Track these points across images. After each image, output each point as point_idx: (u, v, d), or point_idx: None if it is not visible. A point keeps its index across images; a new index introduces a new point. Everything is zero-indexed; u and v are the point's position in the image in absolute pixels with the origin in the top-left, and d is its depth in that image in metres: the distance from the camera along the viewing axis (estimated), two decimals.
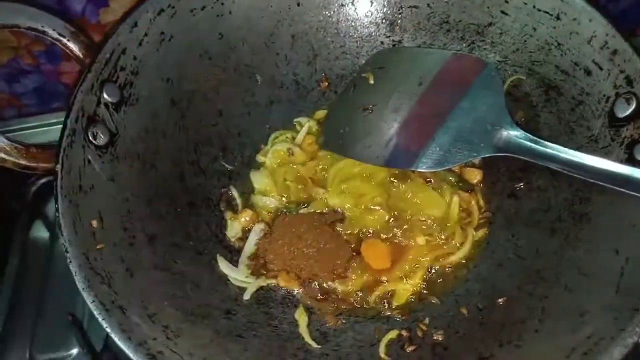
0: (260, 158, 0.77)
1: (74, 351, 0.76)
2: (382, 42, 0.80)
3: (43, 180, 0.92)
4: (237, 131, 0.77)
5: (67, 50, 0.65)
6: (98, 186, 0.59)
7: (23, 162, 0.56)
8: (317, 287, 0.65)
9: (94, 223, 0.55)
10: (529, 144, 0.58)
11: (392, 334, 0.59)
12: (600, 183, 0.53)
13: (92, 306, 0.47)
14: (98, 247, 0.54)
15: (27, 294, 0.82)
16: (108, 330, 0.46)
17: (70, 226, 0.52)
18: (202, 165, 0.73)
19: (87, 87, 0.61)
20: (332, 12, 0.79)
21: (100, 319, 0.47)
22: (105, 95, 0.62)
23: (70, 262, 0.50)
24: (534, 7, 0.67)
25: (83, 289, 0.48)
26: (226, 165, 0.75)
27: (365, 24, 0.80)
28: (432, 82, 0.70)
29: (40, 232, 0.89)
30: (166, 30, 0.68)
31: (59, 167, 0.55)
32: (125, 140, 0.64)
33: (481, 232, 0.68)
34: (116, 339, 0.46)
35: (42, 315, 0.80)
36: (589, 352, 0.46)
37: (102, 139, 0.61)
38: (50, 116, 0.94)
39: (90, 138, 0.60)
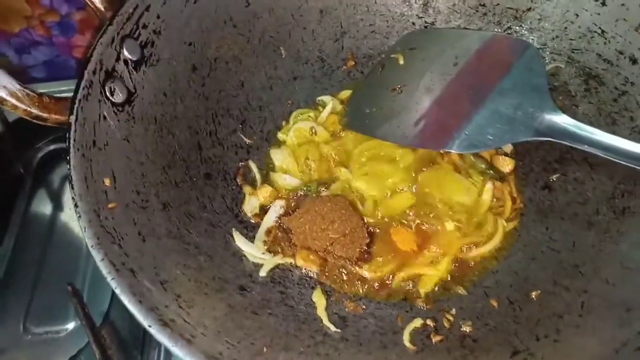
0: (280, 136, 0.73)
1: (70, 325, 0.72)
2: (413, 23, 0.77)
3: (51, 147, 0.88)
4: (258, 105, 0.73)
5: (89, 3, 0.61)
6: (112, 144, 0.55)
7: (35, 110, 0.52)
8: (338, 270, 0.61)
9: (107, 181, 0.52)
10: (573, 128, 0.55)
11: (417, 323, 0.55)
12: None
13: (101, 264, 0.43)
14: (110, 205, 0.50)
15: (24, 265, 0.78)
16: (117, 291, 0.42)
17: (82, 181, 0.49)
18: (220, 136, 0.69)
19: (108, 40, 0.57)
20: None
21: (109, 279, 0.43)
22: (125, 51, 0.59)
23: (80, 217, 0.46)
24: None
25: (92, 246, 0.44)
26: (245, 139, 0.71)
27: (398, 2, 0.77)
28: (468, 63, 0.66)
29: (43, 201, 0.85)
30: None
31: (72, 118, 0.51)
32: (143, 101, 0.61)
33: (512, 224, 0.64)
34: (126, 302, 0.42)
35: (38, 287, 0.76)
36: None
37: (119, 97, 0.58)
38: (58, 83, 0.91)
39: (107, 93, 0.56)
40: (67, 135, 0.50)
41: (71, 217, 0.84)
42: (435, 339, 0.53)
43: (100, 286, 0.74)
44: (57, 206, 0.85)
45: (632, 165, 0.51)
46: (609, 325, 0.47)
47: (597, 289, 0.52)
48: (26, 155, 0.89)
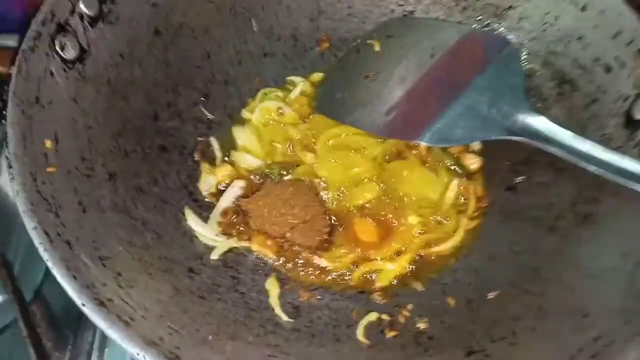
0: (245, 114, 0.69)
1: None
2: (392, 10, 0.74)
3: None
4: (224, 79, 0.69)
5: None
6: (58, 103, 0.50)
7: None
8: (295, 257, 0.58)
9: (48, 143, 0.47)
10: (546, 131, 0.54)
11: (372, 317, 0.53)
12: (619, 181, 0.50)
13: (33, 233, 0.39)
14: (49, 169, 0.45)
15: None
16: (49, 264, 0.38)
17: (19, 139, 0.44)
18: (179, 108, 0.65)
19: None
20: None
21: (41, 250, 0.39)
22: (81, 5, 0.54)
23: (13, 178, 0.41)
24: None
25: (24, 211, 0.40)
26: (206, 113, 0.67)
27: None
28: (445, 56, 0.64)
29: None
30: None
31: (14, 69, 0.46)
32: (97, 61, 0.56)
33: (474, 222, 0.63)
34: (58, 276, 0.38)
35: None
36: (597, 355, 0.41)
37: (70, 53, 0.53)
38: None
39: (56, 47, 0.51)
40: (6, 88, 0.45)
41: (6, 182, 0.76)
42: (390, 334, 0.52)
43: (35, 259, 0.68)
44: None
45: (601, 173, 0.50)
46: (565, 330, 0.46)
47: (555, 293, 0.51)
48: None
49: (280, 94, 0.71)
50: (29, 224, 0.39)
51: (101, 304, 0.38)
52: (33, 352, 0.54)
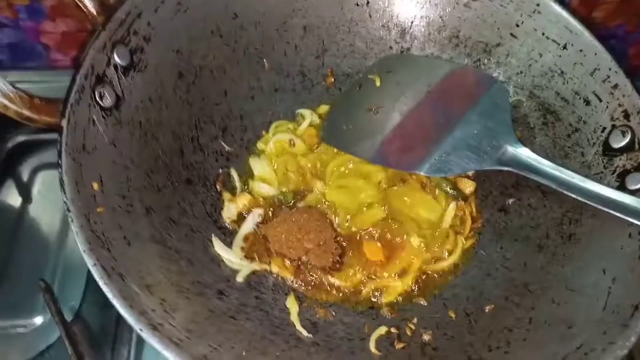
0: (260, 146, 0.76)
1: (38, 320, 0.72)
2: (390, 47, 0.81)
3: (21, 139, 0.87)
4: (240, 114, 0.76)
5: (81, 5, 0.62)
6: (100, 148, 0.56)
7: (26, 112, 0.53)
8: (311, 277, 0.65)
9: (95, 185, 0.53)
10: (532, 161, 0.61)
11: (382, 330, 0.60)
12: (596, 206, 0.56)
13: (93, 270, 0.45)
14: (98, 210, 0.51)
15: None
16: (110, 296, 0.44)
17: (73, 185, 0.50)
18: (201, 142, 0.71)
19: (100, 45, 0.58)
20: (346, 10, 0.79)
21: (101, 284, 0.45)
22: (115, 57, 0.60)
23: (72, 221, 0.47)
24: (543, 34, 0.71)
25: (85, 250, 0.46)
26: (225, 146, 0.73)
27: (377, 27, 0.81)
28: (440, 91, 0.71)
29: (11, 193, 0.84)
30: (183, 1, 0.67)
31: (65, 122, 0.53)
32: (130, 106, 0.62)
33: (470, 242, 0.70)
34: (118, 306, 0.44)
35: (5, 281, 0.75)
36: None
37: (108, 101, 0.59)
38: (24, 74, 0.89)
39: (97, 97, 0.57)
40: (59, 140, 0.51)
41: (41, 211, 0.83)
42: (398, 346, 0.58)
43: (71, 282, 0.75)
44: (26, 199, 0.84)
45: (581, 199, 0.57)
46: (552, 340, 0.53)
47: (543, 306, 0.58)
48: None
49: (290, 125, 0.78)
50: (89, 261, 0.46)
51: (154, 328, 0.44)
52: None
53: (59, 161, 0.50)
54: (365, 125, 0.73)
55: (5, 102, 0.52)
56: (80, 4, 0.62)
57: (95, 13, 0.62)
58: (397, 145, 0.69)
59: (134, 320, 0.43)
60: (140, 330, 0.43)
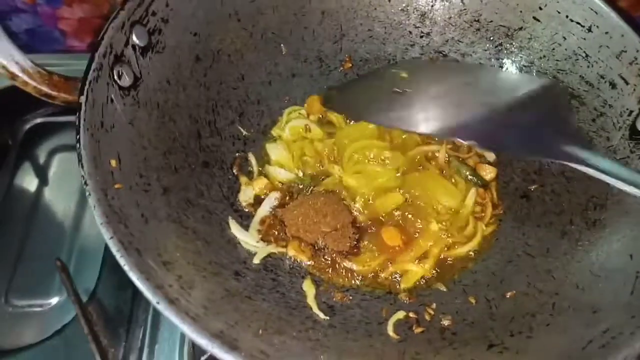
0: (276, 131, 0.75)
1: (54, 300, 0.73)
2: (410, 32, 0.80)
3: (38, 120, 0.87)
4: (257, 98, 0.75)
5: None
6: (118, 127, 0.56)
7: (44, 88, 0.53)
8: (327, 261, 0.64)
9: (113, 162, 0.53)
10: (595, 161, 0.56)
11: (400, 315, 0.59)
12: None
13: (110, 242, 0.45)
14: (116, 186, 0.51)
15: (7, 237, 0.78)
16: (126, 268, 0.44)
17: (91, 160, 0.50)
18: (218, 127, 0.71)
19: (118, 24, 0.58)
20: None
21: (118, 257, 0.44)
22: (134, 37, 0.60)
23: (90, 195, 0.47)
24: (567, 16, 0.69)
25: (102, 223, 0.46)
26: (242, 130, 0.73)
27: (396, 11, 0.80)
28: (480, 86, 0.70)
29: (28, 175, 0.85)
30: None
31: (83, 99, 0.52)
32: (148, 87, 0.62)
33: (490, 228, 0.68)
34: (134, 279, 0.44)
35: (22, 261, 0.76)
36: (606, 345, 0.46)
37: (126, 80, 0.59)
38: (41, 56, 0.90)
39: (115, 77, 0.57)
40: (77, 116, 0.51)
41: (57, 193, 0.84)
42: (417, 330, 0.57)
43: (86, 264, 0.75)
44: (43, 181, 0.85)
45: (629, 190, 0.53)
46: (577, 325, 0.51)
47: (567, 292, 0.56)
48: (13, 125, 0.88)
49: (303, 111, 0.77)
50: (107, 234, 0.45)
51: (172, 302, 0.44)
52: (94, 347, 0.60)
53: (77, 137, 0.50)
54: (394, 100, 0.70)
55: (25, 77, 0.52)
56: None
57: None
58: (436, 113, 0.67)
59: (150, 293, 0.43)
60: (157, 303, 0.43)
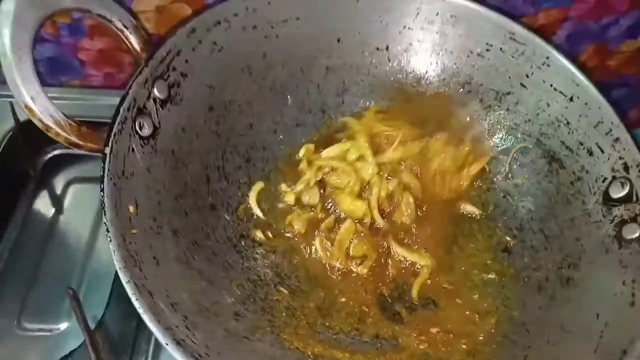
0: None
1: (63, 325, 0.77)
2: (407, 91, 0.86)
3: (56, 152, 0.93)
4: (263, 145, 0.81)
5: (127, 42, 0.69)
6: (137, 174, 0.62)
7: (73, 139, 0.59)
8: None
9: (131, 208, 0.58)
10: None
11: None
12: None
13: (127, 286, 0.50)
14: (133, 231, 0.56)
15: (23, 262, 0.83)
16: (141, 311, 0.49)
17: (113, 208, 0.55)
18: (226, 171, 0.76)
19: (142, 80, 0.64)
20: (367, 54, 0.85)
21: (134, 299, 0.49)
22: (155, 91, 0.66)
23: (110, 241, 0.52)
24: (551, 85, 0.75)
25: (120, 268, 0.51)
26: (248, 175, 0.79)
27: (394, 71, 0.86)
28: None
29: (45, 203, 0.90)
30: (218, 41, 0.73)
31: (108, 150, 0.58)
32: (165, 135, 0.67)
33: None
34: (147, 321, 0.49)
35: (35, 286, 0.81)
36: None
37: (146, 131, 0.64)
38: (61, 90, 0.96)
39: (137, 128, 0.63)
40: (102, 166, 0.57)
41: (71, 222, 0.89)
42: None
43: (95, 292, 0.80)
44: (59, 210, 0.90)
45: None
46: None
47: (539, 346, 0.61)
48: (33, 156, 0.93)
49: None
50: (124, 278, 0.51)
51: (179, 343, 0.48)
52: None
53: (102, 186, 0.56)
54: None
55: (58, 129, 0.58)
56: (126, 42, 0.69)
57: (139, 50, 0.69)
58: None
59: (160, 334, 0.48)
60: (166, 344, 0.48)
